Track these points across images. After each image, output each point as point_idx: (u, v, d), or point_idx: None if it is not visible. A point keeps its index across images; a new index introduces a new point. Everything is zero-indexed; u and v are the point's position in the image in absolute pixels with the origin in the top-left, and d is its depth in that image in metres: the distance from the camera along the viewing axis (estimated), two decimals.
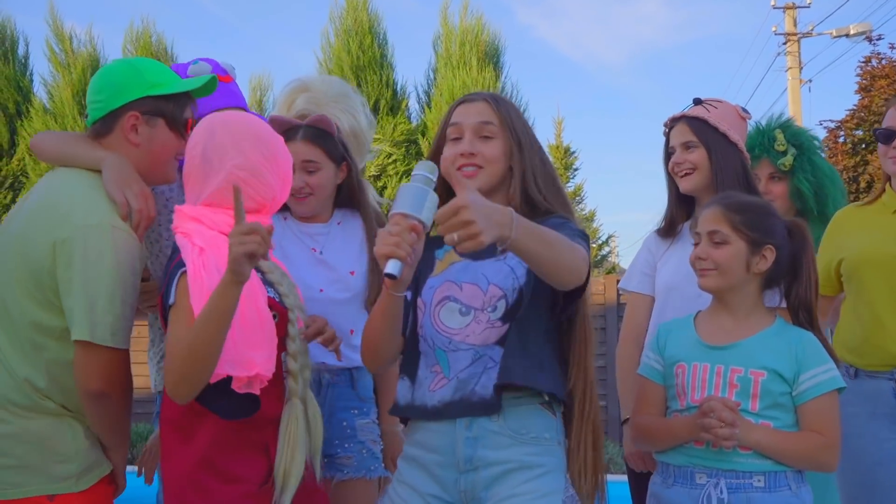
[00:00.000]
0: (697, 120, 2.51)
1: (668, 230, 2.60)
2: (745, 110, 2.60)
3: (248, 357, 1.81)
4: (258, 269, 1.92)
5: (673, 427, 2.09)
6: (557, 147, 11.29)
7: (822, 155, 3.03)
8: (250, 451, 1.90)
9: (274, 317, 1.90)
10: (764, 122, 2.98)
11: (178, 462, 1.88)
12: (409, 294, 1.90)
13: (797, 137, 2.93)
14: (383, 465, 2.51)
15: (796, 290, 2.13)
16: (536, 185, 1.94)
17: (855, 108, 11.76)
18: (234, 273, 1.69)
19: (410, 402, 1.92)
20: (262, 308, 1.88)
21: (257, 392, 1.85)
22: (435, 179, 1.75)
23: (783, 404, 2.03)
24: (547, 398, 1.87)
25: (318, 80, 2.86)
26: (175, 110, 2.07)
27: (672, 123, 2.60)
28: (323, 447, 2.19)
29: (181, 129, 2.08)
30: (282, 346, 1.92)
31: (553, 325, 1.93)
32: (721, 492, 1.99)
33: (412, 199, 1.67)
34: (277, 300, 1.96)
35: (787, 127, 2.95)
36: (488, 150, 1.93)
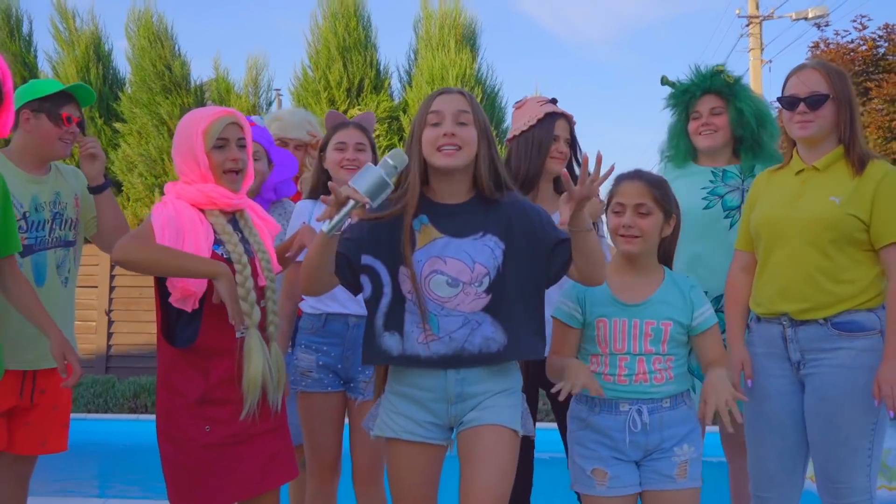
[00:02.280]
0: (572, 123, 3.03)
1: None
2: None
3: (182, 283, 2.30)
4: (214, 230, 2.37)
5: (558, 367, 2.42)
6: None
7: None
8: (192, 372, 2.32)
9: None
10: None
11: (158, 383, 2.42)
12: (378, 262, 2.24)
13: (733, 75, 3.20)
14: None
15: (669, 242, 2.52)
16: (496, 168, 2.28)
17: None
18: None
19: (402, 353, 2.22)
20: (199, 250, 2.30)
21: (189, 309, 2.31)
22: (401, 169, 2.13)
23: (681, 342, 2.42)
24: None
25: (286, 112, 3.73)
26: (51, 107, 2.89)
27: (556, 116, 2.96)
28: (348, 373, 2.89)
29: (57, 120, 2.89)
30: None
31: (531, 290, 2.26)
32: (644, 416, 2.37)
33: (371, 186, 2.04)
34: (223, 255, 2.35)
35: (721, 65, 3.24)
36: (466, 133, 2.22)
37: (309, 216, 2.99)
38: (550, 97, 3.04)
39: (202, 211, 2.40)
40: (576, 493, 2.56)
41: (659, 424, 2.38)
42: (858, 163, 2.60)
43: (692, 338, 2.44)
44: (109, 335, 9.46)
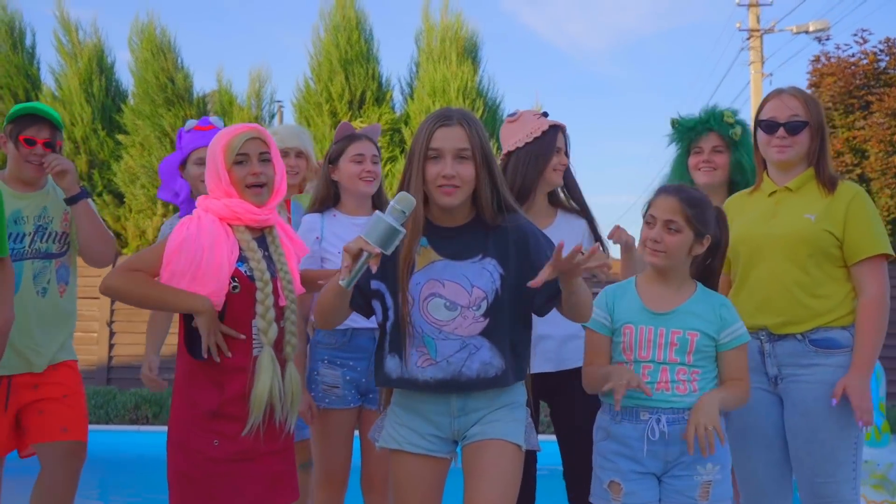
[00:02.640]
0: (565, 133, 3.00)
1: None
2: None
3: (190, 290, 2.34)
4: (240, 247, 2.41)
5: (599, 375, 2.44)
6: None
7: None
8: (208, 385, 2.36)
9: (234, 288, 2.36)
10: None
11: (174, 391, 2.48)
12: (382, 286, 2.26)
13: (741, 121, 3.26)
14: None
15: (711, 263, 2.51)
16: (499, 193, 2.28)
17: None
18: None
19: (401, 376, 2.25)
20: (220, 265, 2.35)
21: None
22: (409, 214, 2.09)
23: (708, 355, 2.41)
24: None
25: (282, 128, 3.82)
26: (13, 130, 3.05)
27: (556, 129, 2.93)
28: (369, 386, 2.89)
29: (17, 144, 3.04)
30: (253, 313, 2.39)
31: (526, 314, 2.28)
32: (663, 425, 2.34)
33: (382, 235, 2.04)
34: (246, 272, 2.40)
35: (734, 112, 3.29)
36: (465, 171, 2.20)
37: (320, 230, 2.99)
38: (542, 111, 3.03)
39: (231, 226, 2.43)
40: None
41: (680, 436, 2.35)
42: (829, 184, 2.71)
43: (718, 353, 2.43)
44: (111, 346, 9.44)
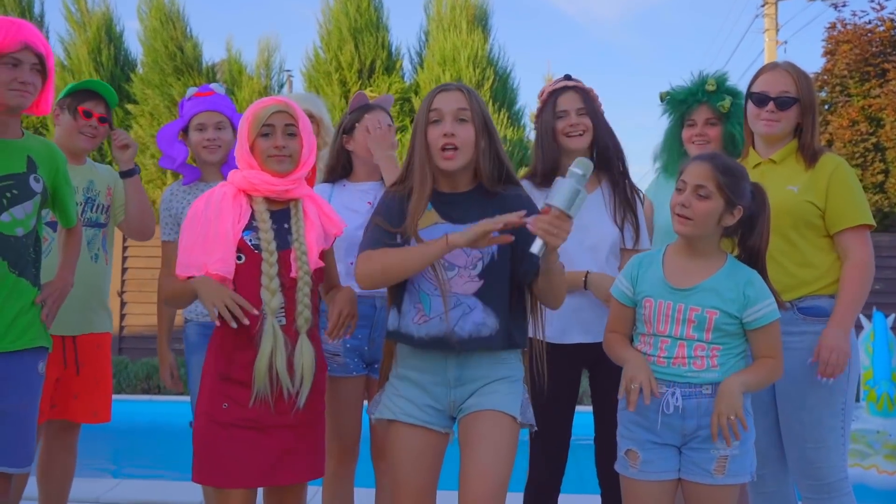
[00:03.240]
0: (585, 91, 2.89)
1: (544, 181, 2.83)
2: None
3: (202, 261, 2.37)
4: (252, 217, 2.43)
5: (618, 355, 2.46)
6: None
7: None
8: (222, 349, 2.42)
9: (238, 258, 2.39)
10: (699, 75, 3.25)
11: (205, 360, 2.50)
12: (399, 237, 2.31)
13: (732, 90, 3.20)
14: None
15: (750, 241, 2.41)
16: (499, 160, 2.35)
17: (819, 71, 12.39)
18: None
19: (397, 329, 2.31)
20: (225, 234, 2.38)
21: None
22: (589, 176, 2.14)
23: (731, 332, 2.35)
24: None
25: (296, 95, 3.86)
26: (71, 103, 3.18)
27: (560, 92, 2.88)
28: (373, 355, 2.92)
29: (75, 114, 3.17)
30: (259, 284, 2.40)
31: (519, 283, 2.32)
32: (677, 399, 2.33)
33: (568, 197, 2.09)
34: (250, 241, 2.42)
35: (723, 79, 3.21)
36: (464, 132, 2.28)
37: (328, 198, 2.96)
38: (565, 75, 2.96)
39: (250, 196, 2.47)
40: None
41: (697, 411, 2.34)
42: (811, 157, 2.77)
43: (747, 331, 2.38)
44: (122, 316, 9.49)
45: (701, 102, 3.19)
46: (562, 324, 2.74)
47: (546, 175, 2.83)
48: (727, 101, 3.15)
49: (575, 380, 2.86)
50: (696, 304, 2.35)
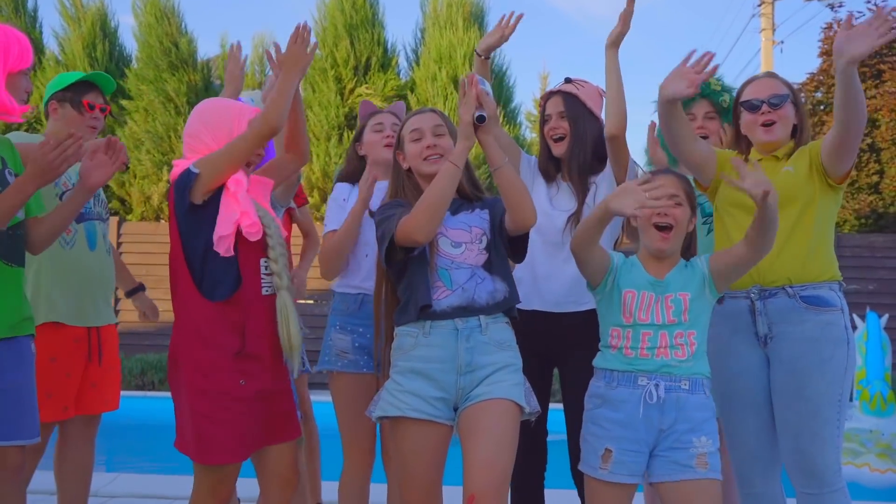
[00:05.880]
0: (571, 96, 3.00)
1: (546, 177, 3.06)
2: (603, 91, 3.01)
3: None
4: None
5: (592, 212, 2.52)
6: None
7: None
8: (230, 326, 2.42)
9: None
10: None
11: (188, 340, 2.47)
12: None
13: (728, 88, 3.28)
14: None
15: (692, 239, 2.60)
16: (471, 172, 2.59)
17: (815, 71, 12.43)
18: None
19: (416, 304, 2.40)
20: (243, 196, 2.45)
21: (223, 252, 2.39)
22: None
23: (702, 313, 2.49)
24: (508, 320, 2.49)
25: (251, 93, 3.78)
26: (73, 96, 3.16)
27: (549, 96, 3.05)
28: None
29: (79, 108, 3.16)
30: (265, 253, 2.51)
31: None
32: (660, 391, 2.41)
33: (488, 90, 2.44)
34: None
35: (720, 79, 3.32)
36: (444, 142, 2.55)
37: (347, 195, 3.09)
38: (565, 77, 3.05)
39: None
40: (575, 475, 2.59)
41: (676, 404, 2.41)
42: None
43: (716, 257, 2.55)
44: (116, 312, 9.47)
45: (700, 97, 3.24)
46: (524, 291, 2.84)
47: (547, 172, 3.05)
48: (727, 97, 3.22)
49: (547, 377, 2.98)
50: (670, 292, 2.50)
